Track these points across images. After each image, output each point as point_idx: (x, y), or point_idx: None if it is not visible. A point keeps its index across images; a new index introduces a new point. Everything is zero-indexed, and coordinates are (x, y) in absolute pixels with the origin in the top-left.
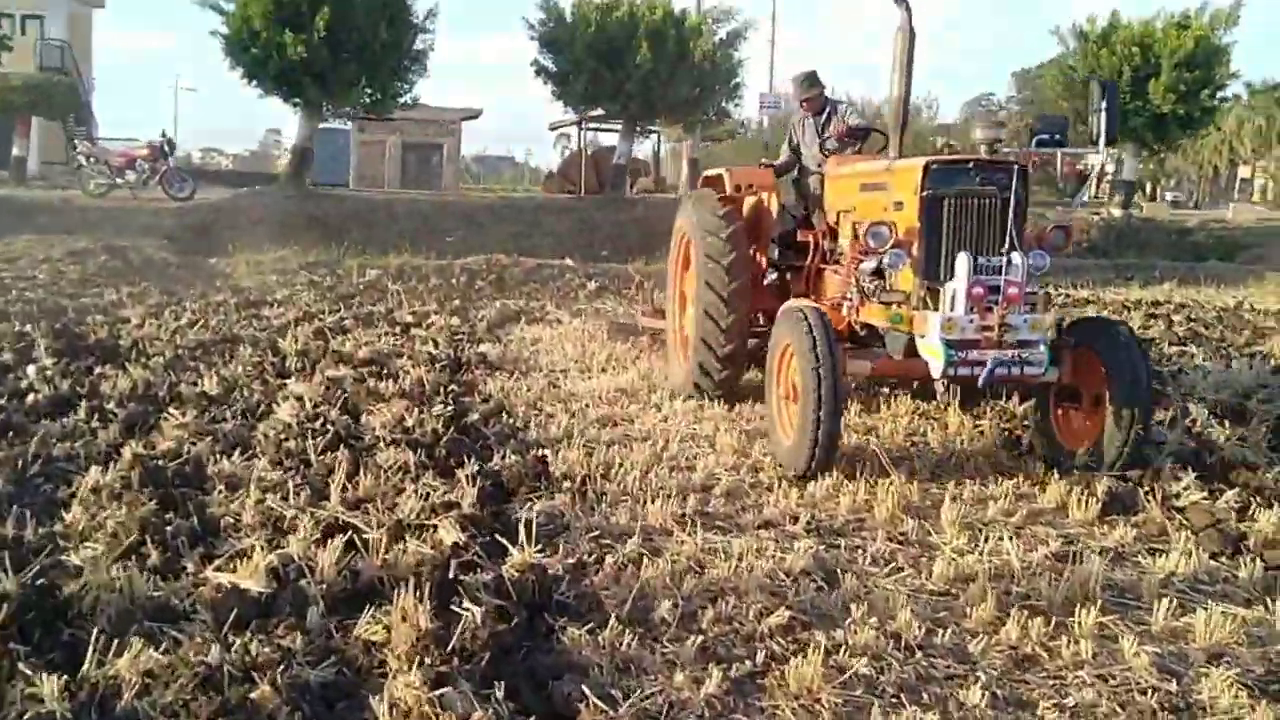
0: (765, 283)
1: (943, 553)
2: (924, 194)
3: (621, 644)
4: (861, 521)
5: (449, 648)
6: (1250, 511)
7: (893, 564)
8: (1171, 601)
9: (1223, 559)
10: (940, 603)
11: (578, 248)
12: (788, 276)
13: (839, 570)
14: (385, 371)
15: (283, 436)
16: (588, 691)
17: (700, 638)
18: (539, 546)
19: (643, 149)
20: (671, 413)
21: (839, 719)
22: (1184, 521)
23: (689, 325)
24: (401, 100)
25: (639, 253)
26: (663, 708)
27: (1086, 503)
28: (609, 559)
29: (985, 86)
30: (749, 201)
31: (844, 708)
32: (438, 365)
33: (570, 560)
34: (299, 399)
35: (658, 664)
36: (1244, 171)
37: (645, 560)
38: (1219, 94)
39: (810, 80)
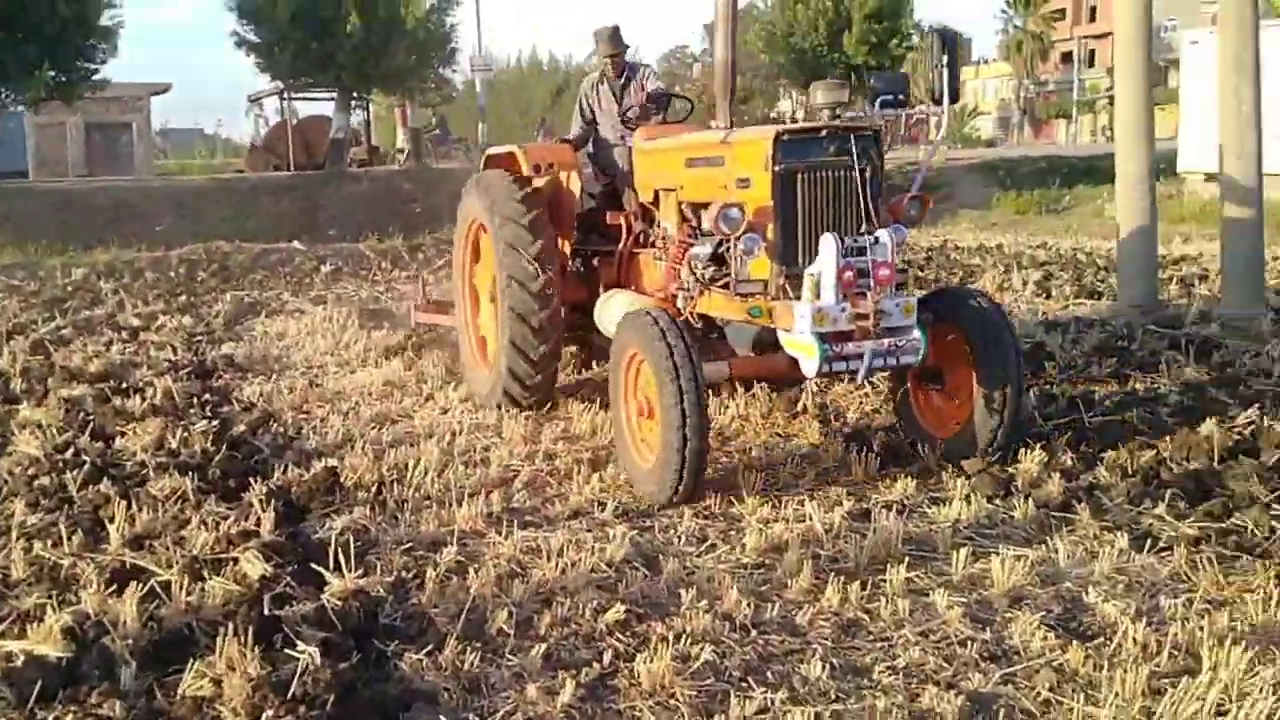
0: (568, 271)
1: (750, 524)
2: (776, 169)
3: (463, 663)
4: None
5: (289, 694)
6: (1015, 452)
7: (706, 541)
8: (966, 550)
9: (998, 501)
10: (760, 575)
11: (303, 229)
12: (595, 263)
13: (658, 555)
14: (126, 386)
15: (32, 472)
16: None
17: (542, 645)
18: (354, 569)
19: (352, 118)
20: (449, 404)
21: (696, 711)
22: (957, 469)
23: (487, 326)
24: (91, 82)
25: (370, 230)
26: None
27: (866, 458)
28: (429, 572)
29: (678, 39)
30: (545, 181)
31: (699, 699)
32: (183, 373)
33: (389, 579)
34: (38, 426)
35: (505, 679)
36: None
37: (467, 569)
38: (905, 43)
39: (613, 38)
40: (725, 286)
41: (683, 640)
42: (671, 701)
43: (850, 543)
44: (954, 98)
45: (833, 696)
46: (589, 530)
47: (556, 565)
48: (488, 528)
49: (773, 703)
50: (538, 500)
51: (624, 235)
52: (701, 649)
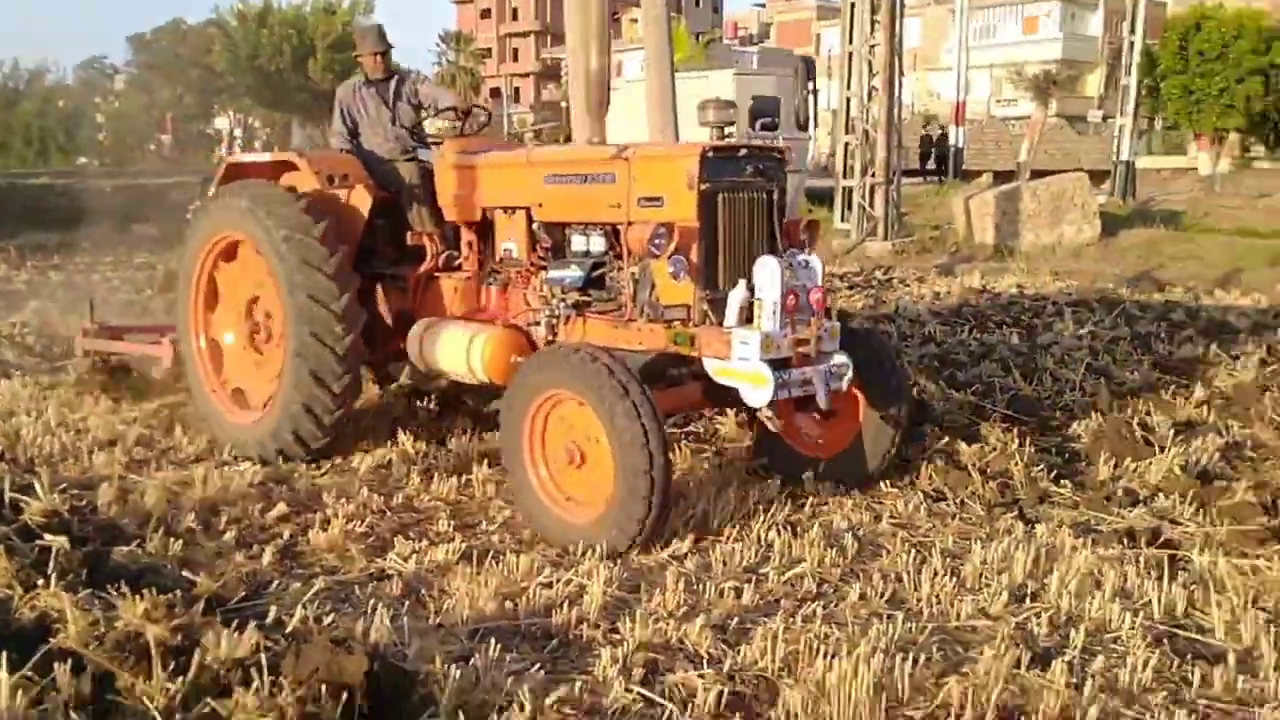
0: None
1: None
2: (703, 187)
3: (169, 548)
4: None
5: (48, 571)
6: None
7: (329, 460)
8: None
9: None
10: (384, 475)
11: None
12: (378, 288)
13: (293, 473)
14: None
15: None
16: None
17: (230, 532)
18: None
19: None
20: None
21: (369, 553)
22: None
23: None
24: None
25: None
26: None
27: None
28: (99, 500)
29: (97, 48)
30: (313, 196)
31: (367, 551)
32: None
33: (66, 507)
34: None
35: (210, 555)
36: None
37: (127, 497)
38: None
39: (380, 35)
40: (604, 313)
41: (342, 519)
42: (347, 555)
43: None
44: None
45: (458, 542)
46: (223, 465)
47: (212, 487)
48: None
49: (421, 548)
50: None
51: (427, 257)
52: (362, 524)
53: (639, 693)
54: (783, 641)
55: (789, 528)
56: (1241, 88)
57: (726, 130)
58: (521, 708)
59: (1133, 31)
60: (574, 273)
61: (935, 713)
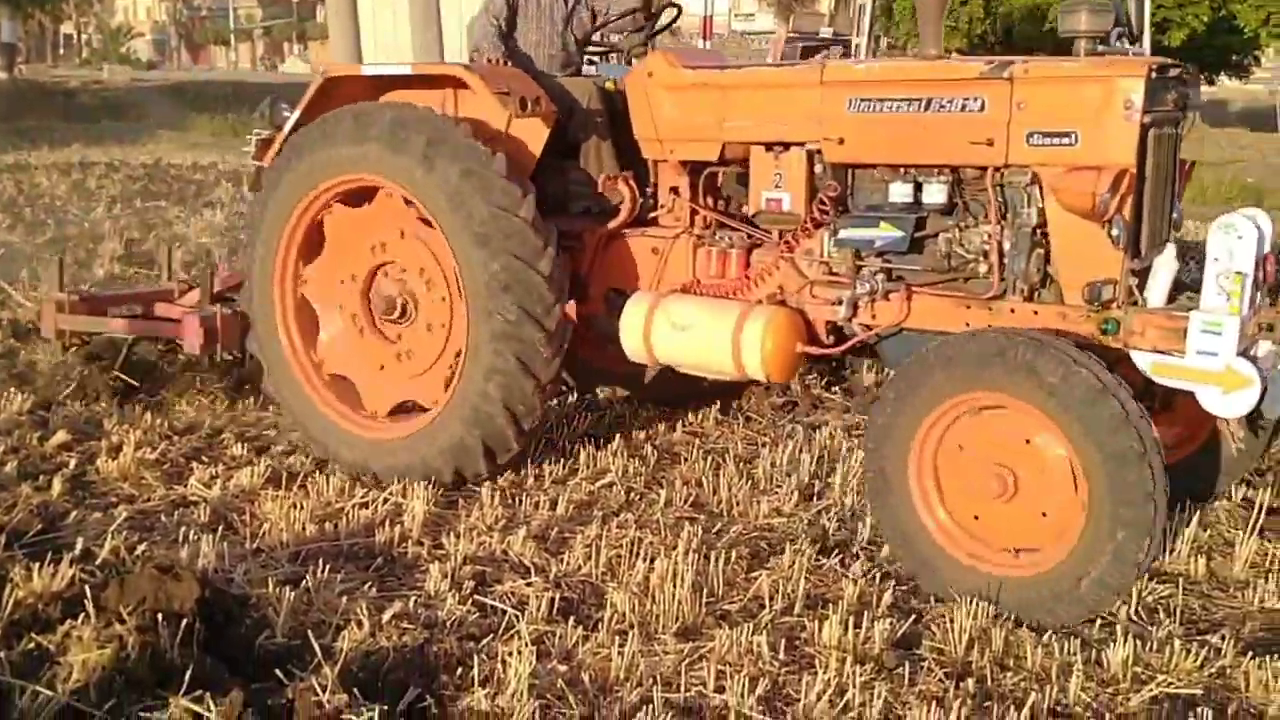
0: None
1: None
2: (1145, 120)
3: None
4: None
5: None
6: None
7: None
8: None
9: None
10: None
11: None
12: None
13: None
14: None
15: None
16: None
17: (11, 461)
18: None
19: None
20: None
21: (166, 480)
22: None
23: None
24: None
25: None
26: None
27: None
28: None
29: None
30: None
31: (163, 476)
32: None
33: None
34: None
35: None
36: None
37: None
38: None
39: None
40: (934, 285)
41: (132, 446)
42: (144, 483)
43: None
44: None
45: (260, 465)
46: None
47: None
48: None
49: (220, 473)
50: None
51: (616, 208)
52: (153, 451)
53: (473, 603)
54: (603, 548)
55: (592, 440)
56: (965, 9)
57: (1095, 46)
58: (360, 625)
59: None
60: (893, 233)
61: (749, 605)
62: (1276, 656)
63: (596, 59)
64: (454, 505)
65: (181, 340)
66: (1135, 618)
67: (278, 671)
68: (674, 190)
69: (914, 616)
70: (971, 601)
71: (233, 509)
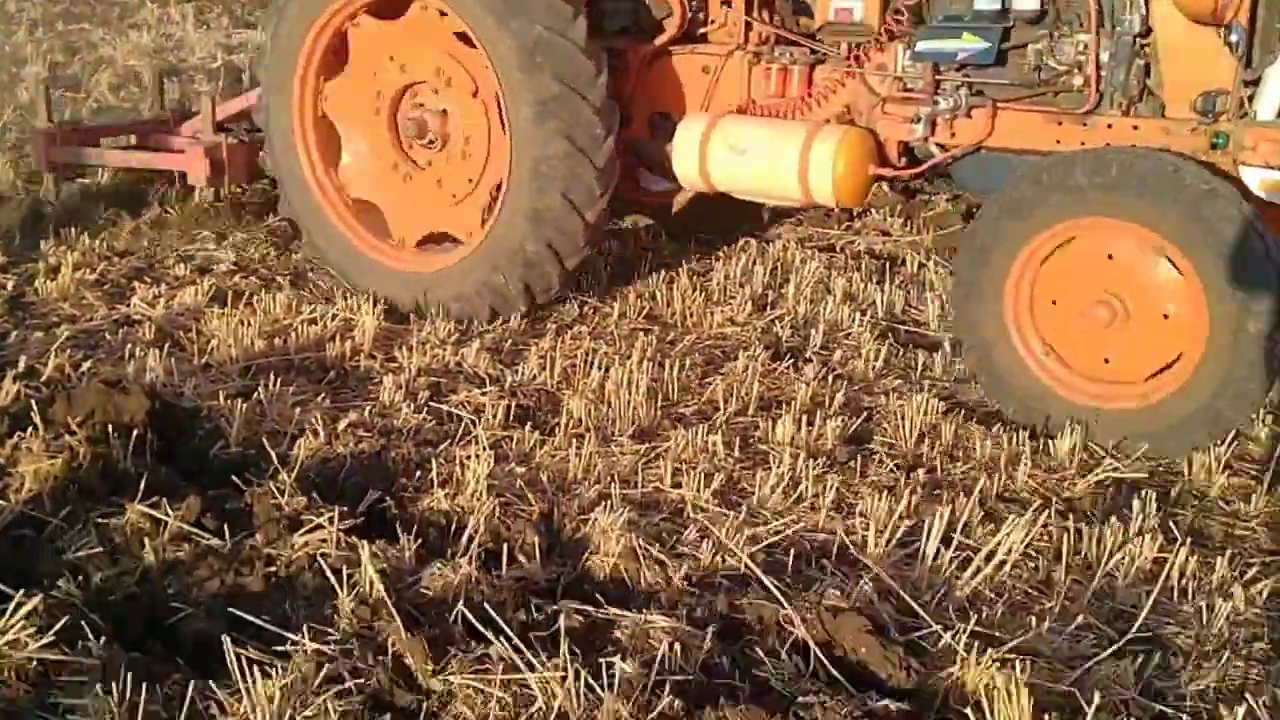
0: None
1: None
2: None
3: None
4: None
5: None
6: None
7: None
8: None
9: None
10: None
11: None
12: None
13: None
14: None
15: None
16: None
17: None
18: None
19: None
20: None
21: (107, 300)
22: None
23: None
24: None
25: None
26: None
27: None
28: None
29: None
30: None
31: (105, 296)
32: None
33: None
34: None
35: None
36: None
37: None
38: None
39: None
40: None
41: (70, 267)
42: (85, 303)
43: None
44: None
45: (204, 284)
46: None
47: None
48: None
49: (163, 292)
50: None
51: (665, 24)
52: (93, 272)
53: (429, 411)
54: (558, 358)
55: None
56: None
57: None
58: (315, 434)
59: None
60: (977, 44)
61: (704, 408)
62: (1219, 444)
63: None
64: (405, 320)
65: (186, 172)
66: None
67: (234, 479)
68: (725, 2)
69: (866, 414)
70: (922, 397)
71: (178, 327)
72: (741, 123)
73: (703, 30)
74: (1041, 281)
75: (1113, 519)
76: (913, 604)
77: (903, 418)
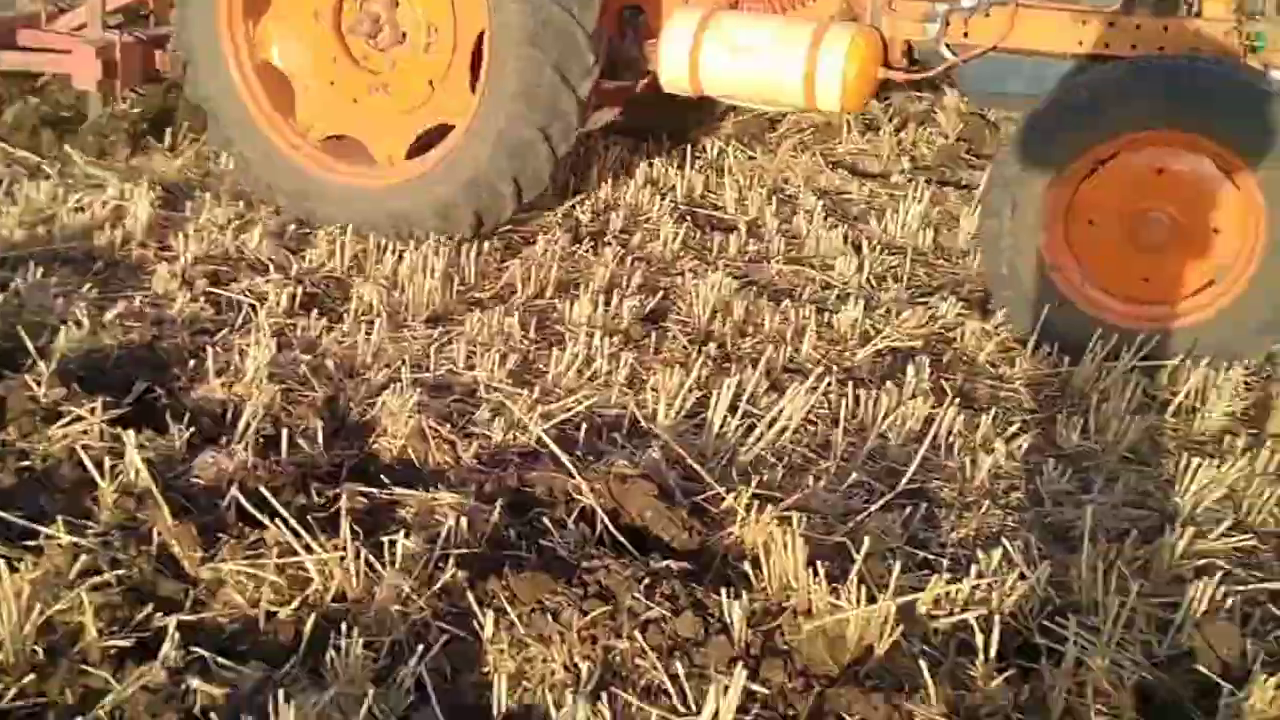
0: None
1: None
2: None
3: None
4: None
5: None
6: None
7: None
8: None
9: None
10: None
11: None
12: None
13: None
14: None
15: None
16: None
17: None
18: None
19: None
20: None
21: None
22: None
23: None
24: None
25: None
26: None
27: None
28: None
29: None
30: None
31: None
32: None
33: None
34: None
35: None
36: None
37: None
38: None
39: None
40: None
41: None
42: None
43: None
44: None
45: None
46: None
47: None
48: None
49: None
50: None
51: None
52: None
53: (206, 299)
54: (348, 244)
55: None
56: None
57: None
58: (79, 324)
59: None
60: None
61: (501, 291)
62: (989, 314)
63: None
64: (180, 208)
65: (71, 74)
66: (866, 284)
67: None
68: None
69: (661, 293)
70: (716, 276)
71: None
72: (741, 19)
73: None
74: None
75: (888, 384)
76: (698, 469)
77: (697, 296)
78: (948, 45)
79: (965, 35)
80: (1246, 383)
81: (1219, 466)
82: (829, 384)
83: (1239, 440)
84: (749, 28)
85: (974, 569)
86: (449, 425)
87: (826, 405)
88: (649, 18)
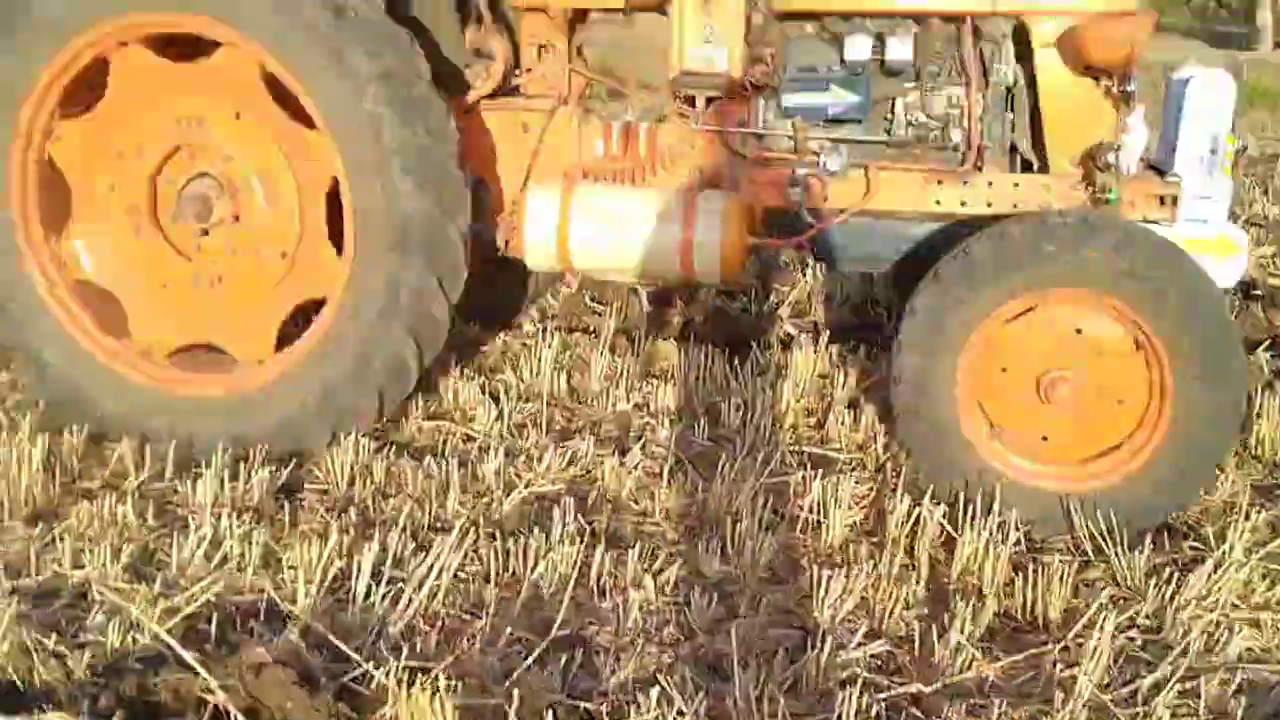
0: None
1: None
2: None
3: None
4: None
5: None
6: None
7: None
8: None
9: None
10: None
11: None
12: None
13: None
14: None
15: None
16: None
17: None
18: None
19: None
20: None
21: None
22: None
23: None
24: None
25: None
26: None
27: None
28: None
29: None
30: None
31: None
32: None
33: None
34: None
35: None
36: None
37: None
38: None
39: None
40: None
41: None
42: None
43: None
44: None
45: None
46: None
47: None
48: None
49: None
50: None
51: (494, 73)
52: None
53: None
54: None
55: None
56: None
57: None
58: None
59: None
60: (849, 97)
61: (112, 479)
62: (627, 451)
63: None
64: None
65: None
66: (507, 433)
67: None
68: (545, 49)
69: (295, 462)
70: (353, 438)
71: None
72: (605, 192)
73: (516, 81)
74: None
75: (536, 530)
76: (343, 647)
77: (333, 462)
78: (810, 210)
79: (825, 200)
80: (862, 495)
81: (848, 576)
82: (476, 538)
83: (863, 548)
84: (616, 200)
85: (633, 713)
86: (56, 635)
87: (476, 560)
88: (494, 192)
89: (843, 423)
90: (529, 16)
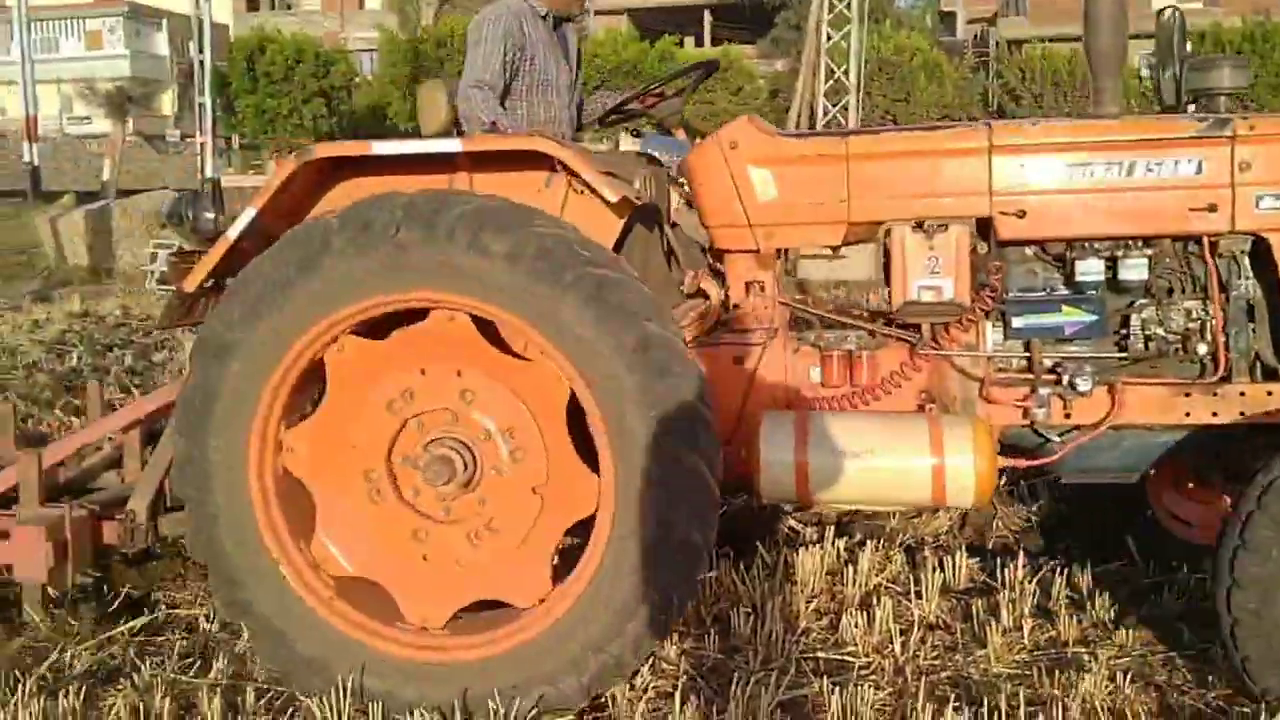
0: None
1: None
2: None
3: None
4: None
5: None
6: None
7: None
8: None
9: None
10: None
11: None
12: None
13: None
14: None
15: None
16: None
17: None
18: None
19: None
20: None
21: None
22: None
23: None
24: None
25: None
26: None
27: None
28: None
29: None
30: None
31: None
32: None
33: None
34: None
35: None
36: None
37: None
38: None
39: None
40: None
41: None
42: None
43: None
44: None
45: None
46: None
47: None
48: None
49: None
50: None
51: (710, 310)
52: None
53: None
54: None
55: None
56: (308, 107)
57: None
58: None
59: (201, 51)
60: (1085, 316)
61: None
62: (636, 672)
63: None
64: None
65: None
66: None
67: None
68: (754, 285)
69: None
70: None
71: None
72: (841, 422)
73: (724, 317)
74: None
75: None
76: None
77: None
78: (1049, 427)
79: (1068, 417)
80: (882, 703)
81: None
82: None
83: None
84: (854, 431)
85: None
86: None
87: None
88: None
89: (856, 625)
90: (737, 257)
